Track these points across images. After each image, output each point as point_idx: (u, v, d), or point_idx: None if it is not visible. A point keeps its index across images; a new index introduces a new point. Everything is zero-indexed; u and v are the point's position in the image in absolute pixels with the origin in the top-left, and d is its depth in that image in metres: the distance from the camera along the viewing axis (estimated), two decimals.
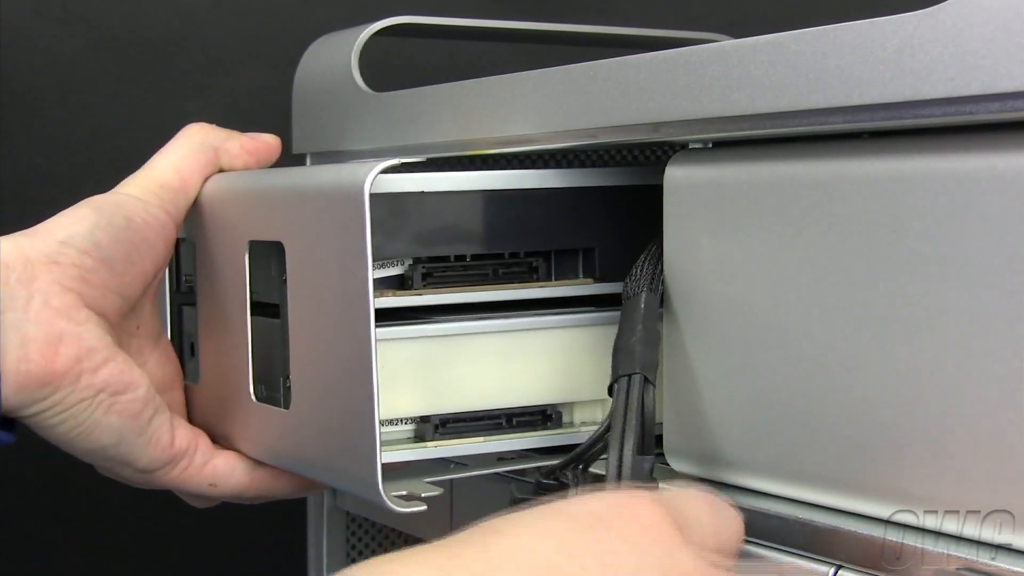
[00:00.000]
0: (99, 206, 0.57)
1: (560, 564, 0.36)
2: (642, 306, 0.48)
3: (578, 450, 0.49)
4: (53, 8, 0.87)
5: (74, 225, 0.55)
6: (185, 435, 0.59)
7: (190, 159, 0.60)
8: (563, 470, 0.49)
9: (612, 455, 0.46)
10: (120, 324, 0.57)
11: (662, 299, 0.49)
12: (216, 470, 0.59)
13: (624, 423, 0.46)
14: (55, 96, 0.88)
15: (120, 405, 0.55)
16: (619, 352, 0.48)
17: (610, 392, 0.48)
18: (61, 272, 0.54)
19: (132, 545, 0.89)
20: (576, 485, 0.48)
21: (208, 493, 0.60)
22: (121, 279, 0.56)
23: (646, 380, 0.47)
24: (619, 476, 0.46)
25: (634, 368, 0.47)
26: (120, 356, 0.55)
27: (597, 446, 0.48)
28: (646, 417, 0.47)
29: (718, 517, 0.42)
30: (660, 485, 0.48)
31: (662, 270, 0.49)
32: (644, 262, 0.50)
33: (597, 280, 0.55)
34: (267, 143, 0.63)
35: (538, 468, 0.50)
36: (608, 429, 0.47)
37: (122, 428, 0.55)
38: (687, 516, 0.40)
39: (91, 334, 0.54)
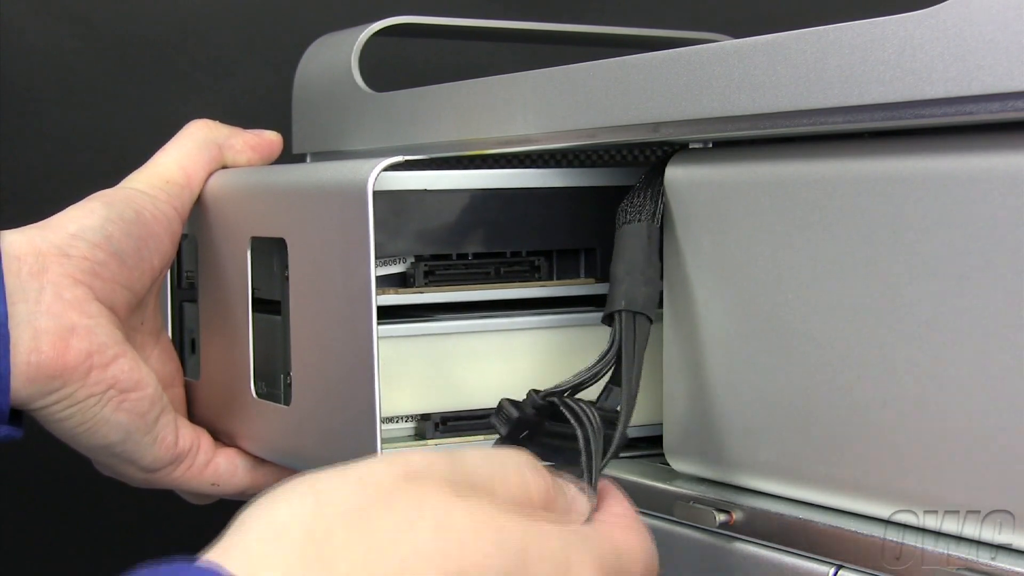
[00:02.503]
0: (109, 200, 0.57)
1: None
2: (646, 235, 0.48)
3: (577, 380, 0.46)
4: (53, 8, 0.87)
5: (85, 218, 0.56)
6: (188, 435, 0.59)
7: (194, 155, 0.60)
8: (560, 395, 0.46)
9: (625, 391, 0.46)
10: (127, 319, 0.58)
11: (661, 233, 0.49)
12: (218, 469, 0.59)
13: (632, 361, 0.46)
14: (55, 96, 0.88)
15: (129, 403, 0.55)
16: (620, 281, 0.48)
17: (607, 320, 0.48)
18: (72, 265, 0.54)
19: (132, 545, 0.89)
20: (572, 413, 0.46)
21: (209, 492, 0.60)
22: (131, 273, 0.56)
23: (649, 320, 0.47)
24: (630, 414, 0.45)
25: (635, 305, 0.47)
26: (130, 353, 0.56)
27: (594, 377, 0.47)
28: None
29: (525, 474, 0.39)
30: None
31: (662, 210, 0.49)
32: (643, 193, 0.49)
33: (598, 280, 0.55)
34: (269, 140, 0.63)
35: (536, 392, 0.48)
36: (617, 362, 0.46)
37: (129, 426, 0.55)
38: (471, 474, 0.37)
39: (102, 329, 0.54)
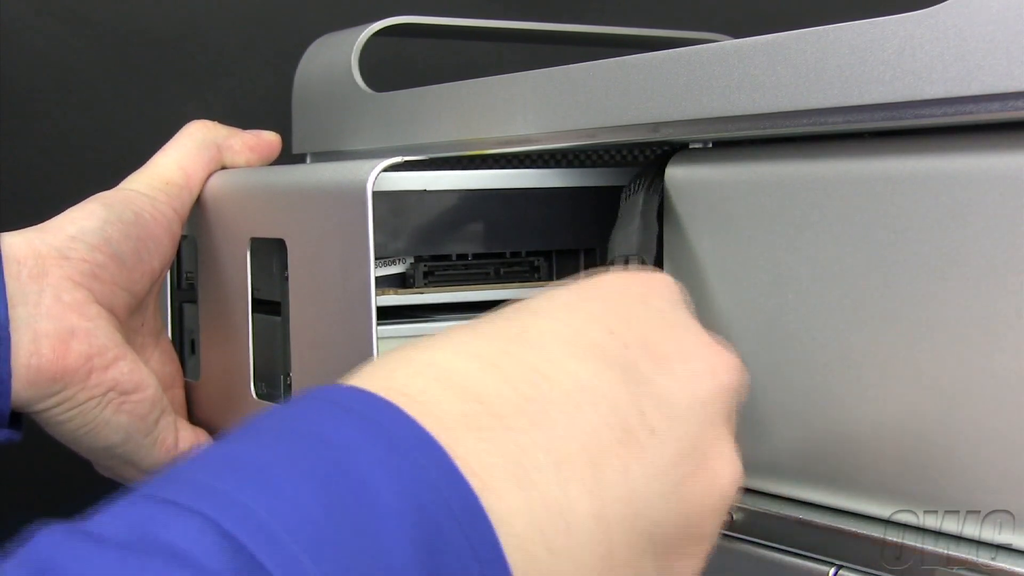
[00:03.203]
0: (109, 202, 0.57)
1: (603, 342, 0.36)
2: (640, 203, 0.49)
3: None
4: (53, 8, 0.87)
5: (84, 220, 0.55)
6: (188, 436, 0.59)
7: (193, 156, 0.60)
8: None
9: None
10: (127, 321, 0.58)
11: (660, 206, 0.49)
12: None
13: None
14: (55, 96, 0.88)
15: (129, 405, 0.55)
16: (616, 241, 0.49)
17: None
18: (71, 267, 0.54)
19: None
20: None
21: None
22: (130, 275, 0.56)
23: (643, 262, 0.48)
24: None
25: (632, 250, 0.48)
26: (130, 355, 0.56)
27: None
28: None
29: None
30: None
31: (663, 190, 0.49)
32: (650, 172, 0.50)
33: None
34: (268, 141, 0.63)
35: None
36: None
37: (129, 427, 0.55)
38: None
39: (102, 331, 0.54)
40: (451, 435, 0.31)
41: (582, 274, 0.42)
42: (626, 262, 0.48)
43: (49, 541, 0.26)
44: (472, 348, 0.35)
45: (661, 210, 0.50)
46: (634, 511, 0.34)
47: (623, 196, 0.51)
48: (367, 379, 0.33)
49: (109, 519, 0.27)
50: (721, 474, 0.37)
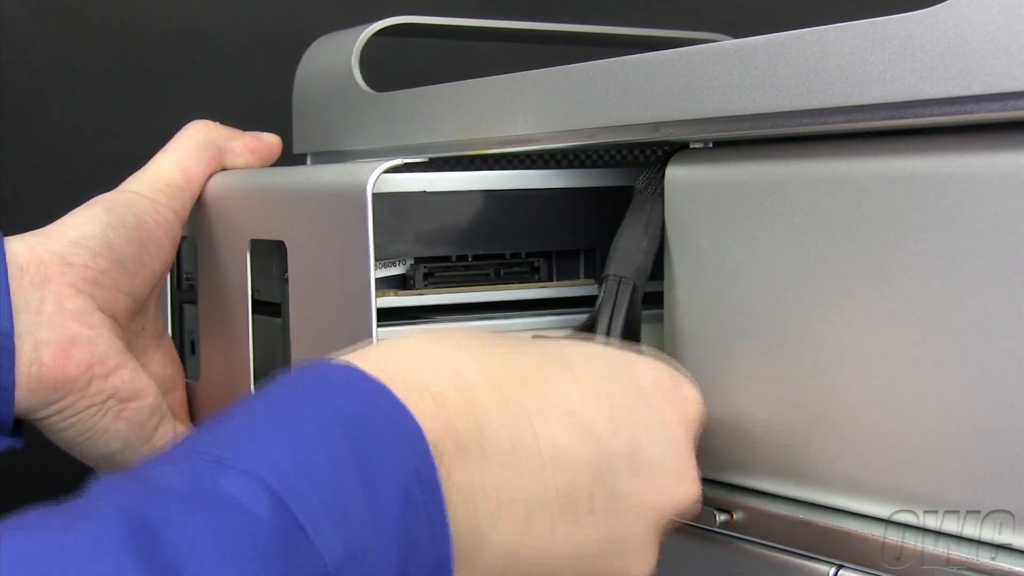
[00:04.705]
0: (110, 206, 0.57)
1: (599, 426, 0.41)
2: (649, 206, 0.50)
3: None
4: (53, 8, 0.87)
5: (86, 225, 0.55)
6: None
7: (194, 157, 0.60)
8: None
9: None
10: (128, 325, 0.57)
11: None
12: None
13: (610, 323, 0.50)
14: (55, 96, 0.88)
15: (128, 412, 0.55)
16: (619, 250, 0.50)
17: (599, 282, 0.50)
18: (74, 274, 0.54)
19: None
20: None
21: None
22: (132, 280, 0.56)
23: (635, 288, 0.50)
24: None
25: (626, 272, 0.50)
26: (131, 363, 0.55)
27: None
28: (631, 320, 0.50)
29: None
30: None
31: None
32: (660, 170, 0.51)
33: (598, 281, 0.55)
34: (269, 143, 0.63)
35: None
36: (593, 324, 0.50)
37: (128, 435, 0.55)
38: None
39: (103, 339, 0.54)
40: (440, 442, 0.37)
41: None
42: (619, 281, 0.50)
43: (131, 495, 0.32)
44: (495, 370, 0.41)
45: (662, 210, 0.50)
46: (542, 564, 0.40)
47: (635, 190, 0.51)
48: (400, 366, 0.39)
49: (171, 474, 0.33)
50: (633, 568, 0.42)
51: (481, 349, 0.42)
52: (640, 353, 0.46)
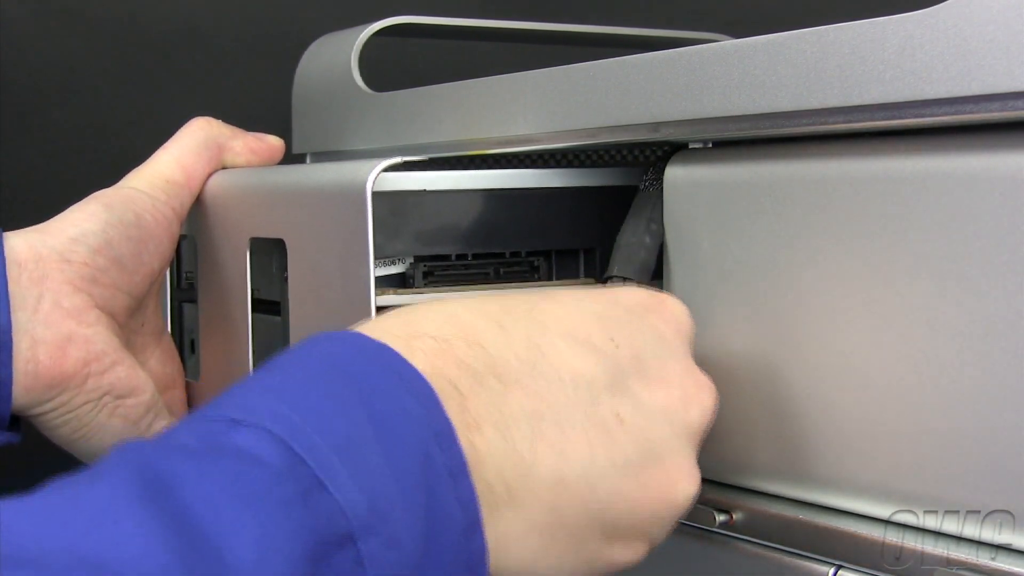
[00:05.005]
0: (109, 202, 0.57)
1: (600, 343, 0.41)
2: (652, 204, 0.50)
3: None
4: (53, 8, 0.87)
5: (85, 222, 0.55)
6: None
7: (195, 154, 0.60)
8: None
9: None
10: (126, 323, 0.57)
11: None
12: None
13: None
14: (55, 96, 0.88)
15: (124, 409, 0.55)
16: (621, 249, 0.50)
17: (602, 283, 0.51)
18: (72, 271, 0.54)
19: None
20: None
21: None
22: (131, 278, 0.56)
23: (639, 286, 0.49)
24: None
25: (628, 272, 0.50)
26: (127, 360, 0.55)
27: None
28: None
29: None
30: None
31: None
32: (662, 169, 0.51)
33: (598, 280, 0.55)
34: (271, 144, 0.63)
35: None
36: None
37: (123, 432, 0.55)
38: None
39: (100, 337, 0.54)
40: (455, 375, 0.38)
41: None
42: (623, 283, 0.50)
43: (145, 453, 0.32)
44: (487, 309, 0.41)
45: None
46: (590, 489, 0.39)
47: (641, 186, 0.51)
48: (397, 321, 0.40)
49: (183, 435, 0.33)
50: (677, 485, 0.41)
51: (469, 299, 0.42)
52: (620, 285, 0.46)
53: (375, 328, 0.39)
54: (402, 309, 0.41)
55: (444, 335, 0.39)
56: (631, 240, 0.50)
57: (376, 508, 0.33)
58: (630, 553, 0.41)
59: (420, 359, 0.38)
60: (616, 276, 0.50)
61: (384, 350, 0.37)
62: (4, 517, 0.29)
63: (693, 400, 0.42)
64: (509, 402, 0.38)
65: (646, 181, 0.51)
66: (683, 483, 0.41)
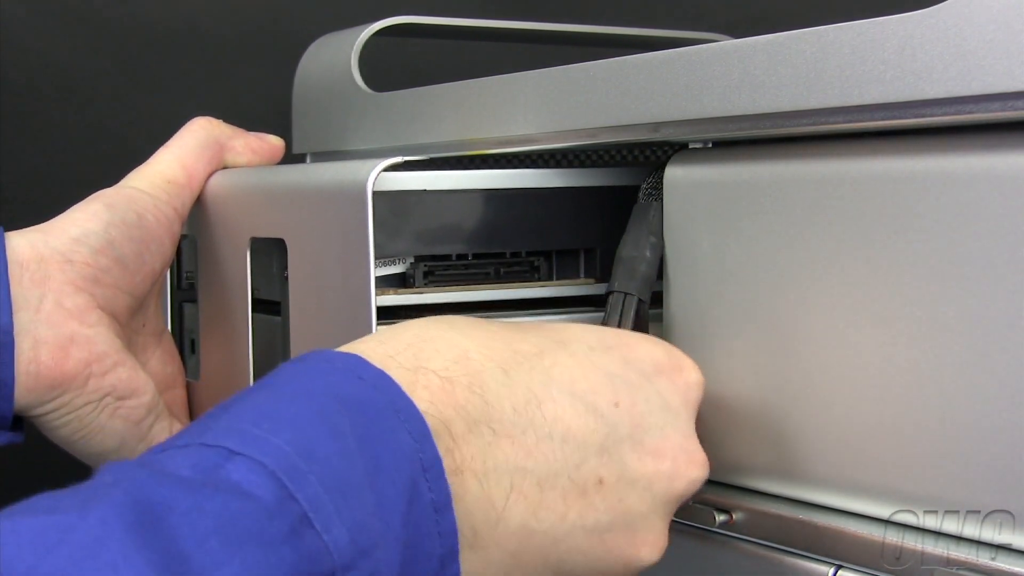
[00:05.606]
0: (111, 202, 0.56)
1: (603, 407, 0.42)
2: (651, 215, 0.50)
3: None
4: (53, 8, 0.87)
5: (88, 222, 0.55)
6: None
7: (196, 154, 0.60)
8: None
9: None
10: (128, 323, 0.57)
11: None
12: None
13: None
14: (55, 96, 0.88)
15: (124, 410, 0.55)
16: (622, 263, 0.50)
17: (604, 296, 0.51)
18: (75, 272, 0.54)
19: None
20: None
21: None
22: (132, 278, 0.56)
23: (640, 301, 0.50)
24: None
25: (630, 288, 0.50)
26: (129, 361, 0.55)
27: None
28: (638, 332, 0.49)
29: None
30: None
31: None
32: (658, 175, 0.51)
33: (598, 280, 0.55)
34: (272, 144, 0.63)
35: None
36: None
37: (124, 433, 0.55)
38: None
39: (102, 337, 0.54)
40: (451, 418, 0.39)
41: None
42: (624, 297, 0.50)
43: (139, 480, 0.32)
44: (497, 352, 0.41)
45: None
46: (554, 545, 0.41)
47: (640, 198, 0.51)
48: (406, 352, 0.40)
49: (179, 462, 0.34)
50: (640, 551, 0.43)
51: (481, 332, 0.42)
52: (639, 335, 0.46)
53: (383, 350, 0.40)
54: (413, 330, 0.42)
55: (450, 375, 0.40)
56: (632, 254, 0.50)
57: (359, 545, 0.34)
58: None
59: (422, 396, 0.38)
60: (617, 291, 0.50)
61: (386, 381, 0.38)
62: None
63: (682, 474, 0.43)
64: (495, 453, 0.40)
65: (644, 192, 0.51)
66: (646, 551, 0.43)
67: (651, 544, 0.43)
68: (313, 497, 0.33)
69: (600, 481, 0.41)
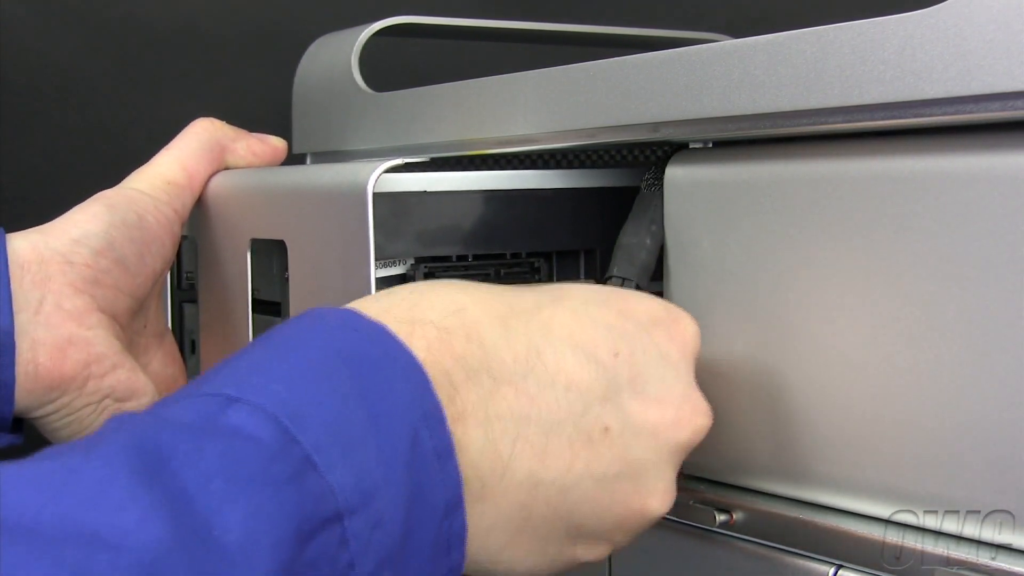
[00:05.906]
0: (111, 203, 0.56)
1: (603, 356, 0.42)
2: (653, 204, 0.50)
3: None
4: (53, 8, 0.87)
5: (88, 223, 0.55)
6: None
7: (197, 156, 0.60)
8: None
9: None
10: (128, 324, 0.57)
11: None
12: None
13: None
14: (55, 96, 0.88)
15: (124, 411, 0.55)
16: (622, 249, 0.50)
17: (602, 283, 0.50)
18: (75, 273, 0.54)
19: None
20: None
21: None
22: (133, 279, 0.56)
23: (639, 287, 0.50)
24: None
25: (629, 273, 0.50)
26: (128, 362, 0.55)
27: None
28: None
29: None
30: None
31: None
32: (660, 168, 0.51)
33: (598, 281, 0.55)
34: (274, 146, 0.63)
35: None
36: None
37: None
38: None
39: (100, 339, 0.54)
40: (450, 367, 0.39)
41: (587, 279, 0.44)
42: (622, 283, 0.50)
43: (142, 426, 0.33)
44: (494, 306, 0.41)
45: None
46: (562, 496, 0.40)
47: (641, 187, 0.51)
48: (402, 303, 0.40)
49: (180, 409, 0.34)
50: (649, 501, 0.42)
51: (477, 290, 0.42)
52: (635, 291, 0.46)
53: (379, 305, 0.40)
54: (410, 288, 0.42)
55: (446, 326, 0.40)
56: (632, 241, 0.50)
57: (363, 488, 0.34)
58: (592, 553, 0.42)
59: (419, 346, 0.38)
60: (615, 276, 0.50)
61: (383, 333, 0.38)
62: (3, 484, 0.30)
63: (686, 423, 0.43)
64: (498, 401, 0.39)
65: (646, 182, 0.51)
66: (655, 501, 0.42)
67: (661, 493, 0.42)
68: (315, 440, 0.33)
69: (606, 429, 0.41)
